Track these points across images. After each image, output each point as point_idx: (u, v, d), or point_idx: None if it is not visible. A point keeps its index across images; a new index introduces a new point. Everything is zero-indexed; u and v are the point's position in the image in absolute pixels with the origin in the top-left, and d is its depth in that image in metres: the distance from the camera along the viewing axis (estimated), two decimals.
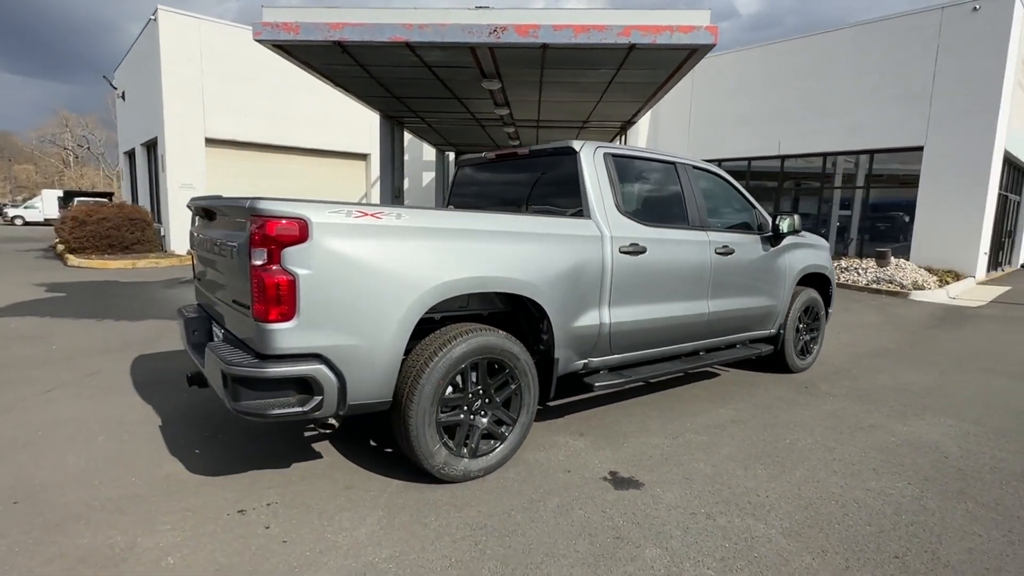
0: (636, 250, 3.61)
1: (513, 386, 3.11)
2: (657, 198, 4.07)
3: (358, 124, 18.58)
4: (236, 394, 2.43)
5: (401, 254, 2.63)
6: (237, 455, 3.25)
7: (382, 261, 2.58)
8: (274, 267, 2.35)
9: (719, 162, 17.56)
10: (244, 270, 2.44)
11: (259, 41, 6.37)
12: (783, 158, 16.47)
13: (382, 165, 11.47)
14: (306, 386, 2.46)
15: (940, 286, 11.59)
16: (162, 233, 16.02)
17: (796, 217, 4.66)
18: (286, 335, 2.40)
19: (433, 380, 2.74)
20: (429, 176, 19.61)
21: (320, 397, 2.46)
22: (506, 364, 3.04)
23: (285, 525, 2.54)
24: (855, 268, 12.95)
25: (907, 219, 14.38)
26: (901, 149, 14.17)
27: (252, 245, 2.36)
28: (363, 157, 19.32)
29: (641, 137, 17.58)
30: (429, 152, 18.93)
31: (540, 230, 3.22)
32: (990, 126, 12.82)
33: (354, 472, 3.08)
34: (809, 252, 5.27)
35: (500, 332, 3.02)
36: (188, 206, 3.51)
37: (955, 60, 13.08)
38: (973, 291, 12.15)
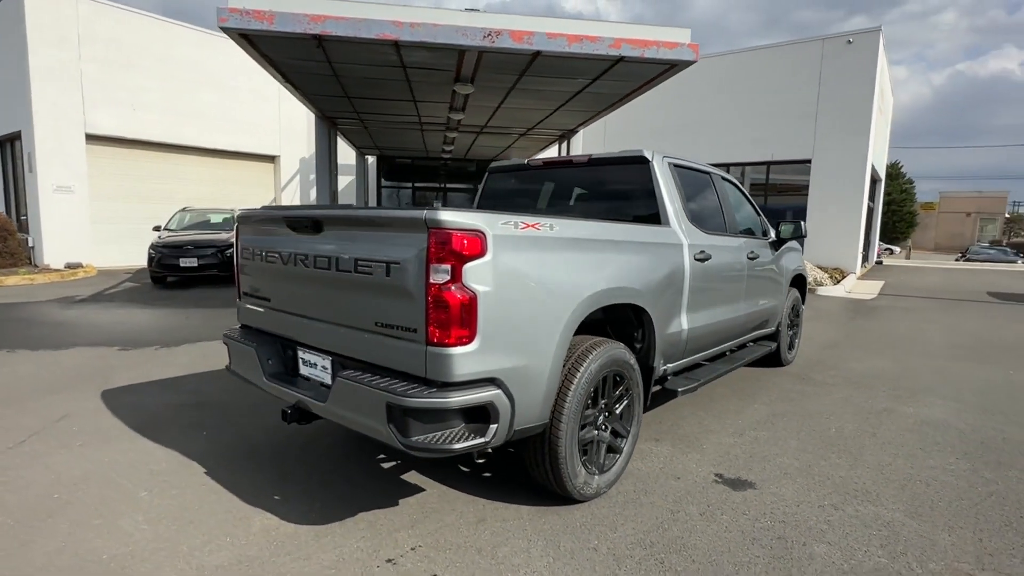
0: (704, 257, 3.73)
1: (627, 399, 3.07)
2: (705, 206, 4.24)
3: (265, 124, 17.25)
4: (406, 429, 2.16)
5: (556, 266, 2.50)
6: (327, 496, 2.88)
7: (544, 274, 2.43)
8: (456, 285, 2.12)
9: None
10: (406, 289, 2.17)
11: (224, 29, 5.66)
12: None
13: (319, 167, 10.73)
14: (483, 414, 2.24)
15: (835, 283, 13.22)
16: (30, 244, 13.65)
17: (800, 224, 5.08)
18: (467, 360, 2.17)
19: (577, 397, 2.63)
20: (346, 180, 18.64)
21: (496, 425, 2.26)
22: (624, 376, 3.00)
23: (455, 571, 2.30)
24: None
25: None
26: (795, 161, 15.98)
27: (431, 261, 2.11)
28: (271, 159, 17.94)
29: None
30: (347, 155, 17.98)
31: (643, 239, 3.22)
32: (863, 143, 14.89)
33: (470, 502, 2.86)
34: (796, 255, 5.78)
35: (620, 344, 2.97)
36: (248, 214, 3.04)
37: (834, 85, 15.02)
38: (858, 285, 13.99)
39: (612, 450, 3.02)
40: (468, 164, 17.48)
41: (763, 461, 3.43)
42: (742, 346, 5.07)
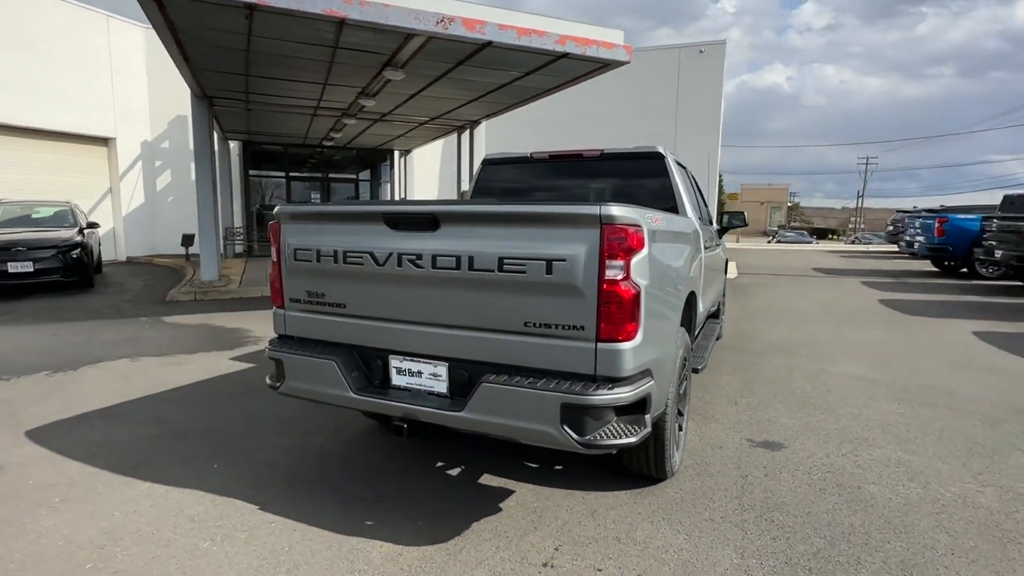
0: (709, 245, 4.11)
1: (686, 379, 3.31)
2: (691, 198, 4.63)
3: (94, 100, 14.51)
4: (583, 428, 2.13)
5: (674, 257, 2.63)
6: (420, 513, 2.69)
7: (670, 265, 2.54)
8: (627, 280, 2.14)
9: None
10: (573, 286, 2.13)
11: None
12: None
13: (199, 151, 9.40)
14: (640, 406, 2.29)
15: None
16: None
17: (743, 214, 5.76)
18: (635, 354, 2.20)
19: (676, 380, 2.79)
20: None
21: (649, 415, 2.33)
22: (687, 358, 3.23)
23: (614, 562, 2.33)
24: None
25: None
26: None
27: (606, 257, 2.10)
28: (104, 142, 15.18)
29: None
30: None
31: (693, 229, 3.46)
32: (713, 141, 16.99)
33: (567, 496, 2.88)
34: (722, 244, 6.53)
35: (683, 328, 3.19)
36: (303, 211, 2.68)
37: (689, 89, 16.90)
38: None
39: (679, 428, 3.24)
40: (349, 152, 16.50)
41: (771, 424, 3.91)
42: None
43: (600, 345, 2.16)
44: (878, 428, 3.83)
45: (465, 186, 12.43)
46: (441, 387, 2.49)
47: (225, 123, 12.21)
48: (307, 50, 6.55)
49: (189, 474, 3.06)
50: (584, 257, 2.12)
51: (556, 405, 2.13)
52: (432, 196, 19.18)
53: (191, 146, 16.60)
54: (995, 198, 13.77)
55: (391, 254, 2.45)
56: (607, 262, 2.11)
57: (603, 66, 7.13)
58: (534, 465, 3.24)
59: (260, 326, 7.06)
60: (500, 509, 2.75)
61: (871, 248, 25.51)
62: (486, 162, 4.51)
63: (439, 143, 16.43)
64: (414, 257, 2.40)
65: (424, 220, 2.37)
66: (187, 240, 14.13)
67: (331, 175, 16.57)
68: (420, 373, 2.53)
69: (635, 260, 2.16)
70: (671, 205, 3.87)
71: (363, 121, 11.37)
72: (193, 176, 16.80)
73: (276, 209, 2.82)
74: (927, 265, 15.13)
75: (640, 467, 2.92)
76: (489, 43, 6.10)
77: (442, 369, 2.47)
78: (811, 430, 3.78)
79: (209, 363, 5.36)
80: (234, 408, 4.10)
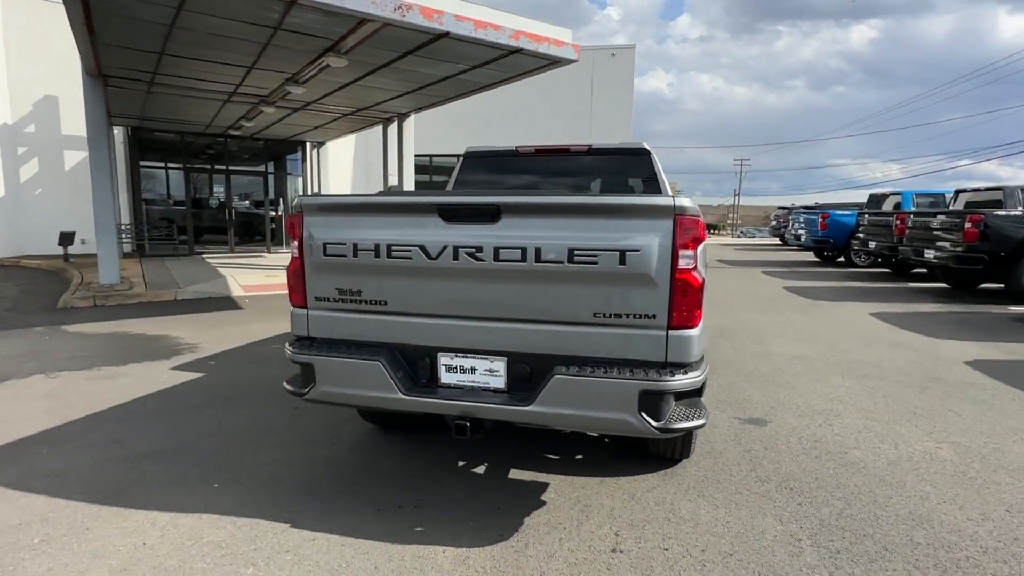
0: None
1: None
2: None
3: None
4: (659, 413, 2.20)
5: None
6: (466, 514, 2.63)
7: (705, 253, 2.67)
8: (696, 269, 2.23)
9: (431, 156, 18.85)
10: (646, 276, 2.18)
11: None
12: None
13: (95, 137, 8.27)
14: (700, 391, 2.40)
15: None
16: None
17: None
18: (700, 339, 2.31)
19: None
20: (76, 157, 14.51)
21: (703, 398, 2.44)
22: None
23: (676, 540, 2.42)
24: None
25: None
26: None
27: (679, 247, 2.17)
28: None
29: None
30: (71, 125, 13.95)
31: None
32: (624, 139, 17.86)
33: (600, 484, 2.94)
34: None
35: None
36: (339, 201, 2.50)
37: (604, 90, 17.62)
38: None
39: None
40: (255, 143, 15.30)
41: (747, 402, 4.24)
42: None
43: (671, 332, 2.23)
44: (837, 400, 4.29)
45: (393, 180, 12.06)
46: (498, 382, 2.44)
47: (114, 106, 10.85)
48: (244, 30, 5.99)
49: (189, 497, 2.74)
50: (657, 247, 2.18)
51: (635, 393, 2.18)
52: (347, 190, 18.38)
53: (64, 131, 14.65)
54: (841, 197, 15.83)
55: (445, 247, 2.35)
56: (680, 252, 2.18)
57: (552, 63, 7.24)
58: (555, 456, 3.27)
59: (189, 332, 6.41)
60: (544, 502, 2.75)
61: (757, 241, 28.15)
62: (469, 155, 4.44)
63: (352, 135, 15.77)
64: (473, 250, 2.32)
65: (487, 211, 2.31)
66: (65, 239, 12.42)
67: (233, 167, 15.27)
68: (474, 369, 2.46)
69: (699, 250, 2.26)
70: (654, 189, 4.06)
71: (282, 110, 10.63)
72: (67, 166, 14.81)
73: (298, 200, 2.60)
74: (810, 256, 17.02)
75: (666, 450, 3.05)
76: (446, 34, 5.97)
77: (500, 364, 2.42)
78: (783, 406, 4.15)
79: (147, 375, 4.78)
80: (207, 422, 3.71)
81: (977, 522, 2.57)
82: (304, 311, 2.64)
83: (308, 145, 16.24)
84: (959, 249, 8.73)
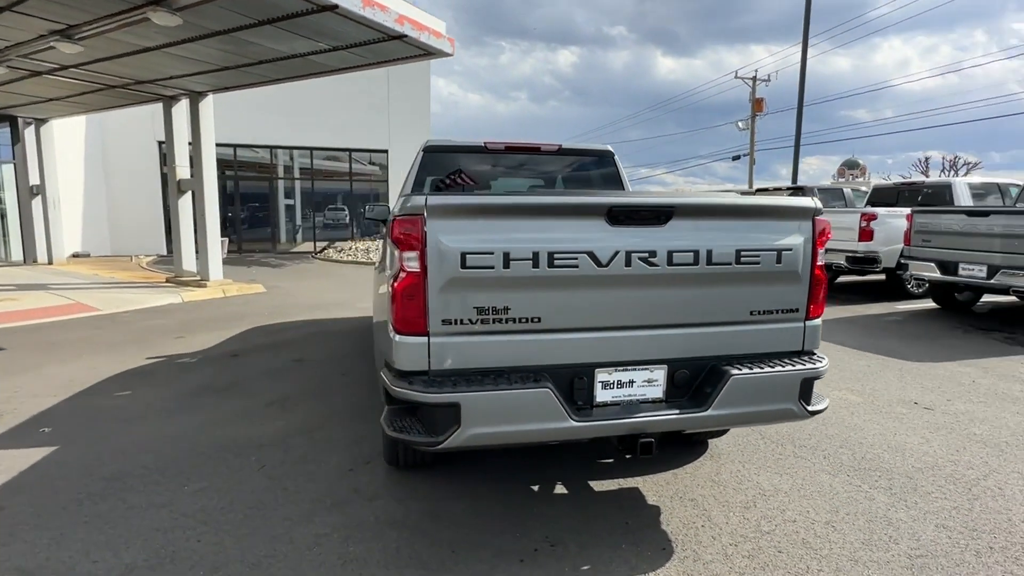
0: None
1: None
2: None
3: None
4: (809, 398, 2.38)
5: None
6: (606, 539, 2.46)
7: None
8: (821, 264, 2.47)
9: (237, 146, 16.02)
10: (795, 273, 2.33)
11: None
12: (267, 149, 16.78)
13: None
14: None
15: None
16: None
17: None
18: (821, 327, 2.56)
19: None
20: None
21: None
22: None
23: (799, 510, 2.66)
24: (376, 248, 15.43)
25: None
26: (374, 150, 17.47)
27: (819, 245, 2.37)
28: None
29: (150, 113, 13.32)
30: None
31: None
32: (424, 137, 17.81)
33: (673, 476, 3.03)
34: None
35: None
36: (488, 202, 2.04)
37: (401, 83, 17.19)
38: None
39: None
40: None
41: None
42: None
43: (808, 323, 2.44)
44: None
45: (182, 173, 9.82)
46: (656, 392, 2.32)
47: None
48: None
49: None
50: (803, 245, 2.36)
51: (798, 382, 2.32)
52: (79, 184, 14.36)
53: None
54: None
55: (617, 253, 2.14)
56: (818, 249, 2.40)
57: (426, 54, 6.82)
58: (607, 460, 3.22)
59: None
60: (656, 506, 2.72)
61: None
62: (431, 149, 4.00)
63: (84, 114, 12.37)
64: (647, 254, 2.17)
65: (661, 213, 2.17)
66: None
67: None
68: (632, 383, 2.29)
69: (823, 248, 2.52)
70: None
71: (14, 71, 7.73)
72: None
73: (417, 200, 2.04)
74: None
75: (705, 434, 3.27)
76: (334, 6, 5.14)
77: (660, 373, 2.31)
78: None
79: None
80: (142, 504, 2.62)
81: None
82: (422, 339, 2.10)
83: (21, 122, 12.14)
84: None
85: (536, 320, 2.16)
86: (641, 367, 2.30)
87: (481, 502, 2.75)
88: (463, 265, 2.05)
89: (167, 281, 10.11)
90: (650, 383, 2.32)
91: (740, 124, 31.44)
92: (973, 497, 2.79)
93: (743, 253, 2.27)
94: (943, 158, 40.58)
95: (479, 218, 2.09)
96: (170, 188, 9.99)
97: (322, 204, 18.58)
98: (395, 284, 2.10)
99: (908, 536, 2.46)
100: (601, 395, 2.28)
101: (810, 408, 2.39)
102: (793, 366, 2.34)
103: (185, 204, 9.95)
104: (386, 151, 17.48)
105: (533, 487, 2.91)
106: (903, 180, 13.03)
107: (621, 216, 2.15)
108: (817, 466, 3.13)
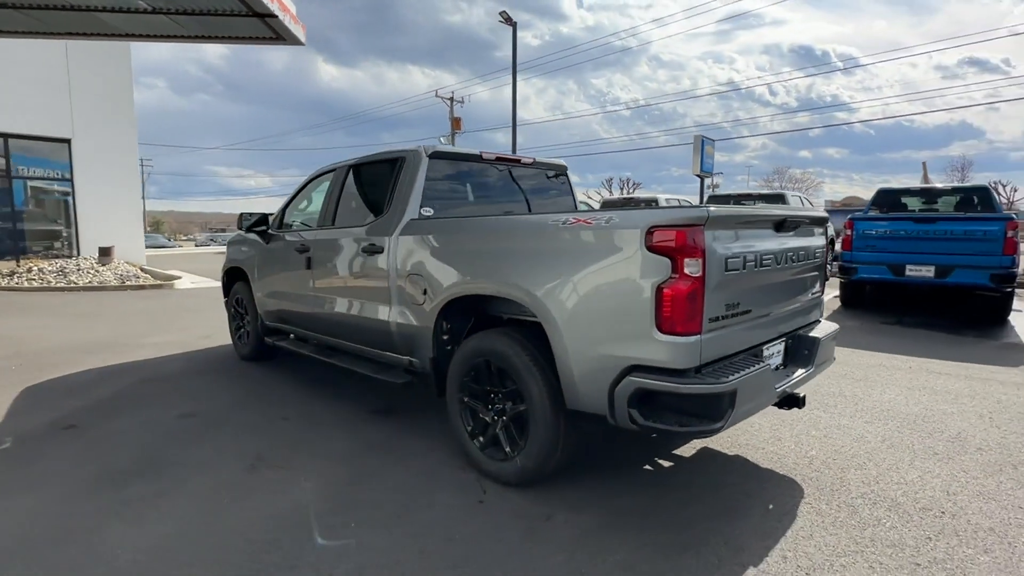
0: None
1: None
2: None
3: None
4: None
5: None
6: (678, 539, 3.00)
7: None
8: None
9: None
10: (819, 265, 3.37)
11: None
12: None
13: None
14: None
15: (170, 279, 12.61)
16: None
17: None
18: None
19: None
20: None
21: None
22: None
23: (859, 476, 3.67)
24: (74, 269, 11.67)
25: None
26: (50, 139, 13.07)
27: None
28: None
29: None
30: None
31: None
32: (127, 126, 14.27)
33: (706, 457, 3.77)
34: None
35: None
36: (741, 213, 2.47)
37: (90, 58, 13.29)
38: (186, 279, 13.52)
39: None
40: None
41: None
42: None
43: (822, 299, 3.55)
44: None
45: None
46: (778, 359, 3.05)
47: None
48: None
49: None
50: (823, 245, 3.45)
51: (835, 337, 3.40)
52: None
53: None
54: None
55: (783, 253, 2.80)
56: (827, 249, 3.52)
57: (277, 39, 5.82)
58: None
59: None
60: (739, 499, 2.97)
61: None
62: (436, 156, 3.84)
63: None
64: (796, 253, 2.91)
65: (802, 223, 2.92)
66: None
67: None
68: (773, 354, 2.97)
69: None
70: (571, 207, 4.73)
71: None
72: None
73: (700, 211, 2.28)
74: None
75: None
76: None
77: (780, 345, 3.05)
78: None
79: None
80: None
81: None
82: (696, 338, 2.35)
83: None
84: None
85: (748, 312, 2.66)
86: (778, 342, 3.01)
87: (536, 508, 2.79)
88: (726, 269, 2.42)
89: None
90: (777, 354, 3.06)
91: (442, 139, 34.48)
92: None
93: (817, 250, 3.22)
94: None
95: (737, 228, 2.50)
96: None
97: None
98: (666, 289, 2.30)
99: None
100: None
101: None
102: (828, 327, 3.40)
103: None
104: (68, 141, 13.28)
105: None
106: (624, 196, 17.04)
107: (782, 224, 2.82)
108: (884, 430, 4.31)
